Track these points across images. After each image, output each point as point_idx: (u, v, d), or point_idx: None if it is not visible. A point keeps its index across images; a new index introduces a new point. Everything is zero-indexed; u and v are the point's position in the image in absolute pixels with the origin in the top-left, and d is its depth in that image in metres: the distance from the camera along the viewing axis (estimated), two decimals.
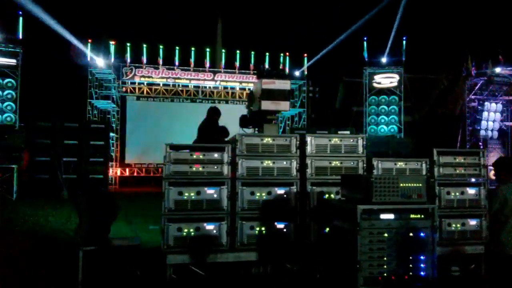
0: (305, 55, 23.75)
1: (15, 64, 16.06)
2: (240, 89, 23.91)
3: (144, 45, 22.35)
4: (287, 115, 24.02)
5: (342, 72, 25.71)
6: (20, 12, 16.39)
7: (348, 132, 16.84)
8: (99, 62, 20.82)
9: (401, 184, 3.93)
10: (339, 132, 15.11)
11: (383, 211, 3.86)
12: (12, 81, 16.01)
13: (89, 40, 20.66)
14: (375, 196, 3.86)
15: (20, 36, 16.44)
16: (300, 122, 24.06)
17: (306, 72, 23.95)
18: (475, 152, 5.90)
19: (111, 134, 20.35)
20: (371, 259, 3.78)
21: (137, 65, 22.46)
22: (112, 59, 21.61)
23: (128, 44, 22.16)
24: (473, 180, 5.61)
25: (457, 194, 5.57)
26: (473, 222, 5.57)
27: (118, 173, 21.91)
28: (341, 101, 26.06)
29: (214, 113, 7.47)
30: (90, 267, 5.07)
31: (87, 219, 5.65)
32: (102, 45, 21.11)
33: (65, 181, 15.74)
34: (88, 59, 20.66)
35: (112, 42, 21.68)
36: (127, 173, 22.26)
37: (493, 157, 21.68)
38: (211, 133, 7.05)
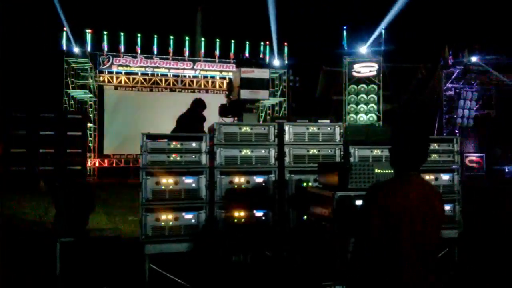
0: (286, 44, 23.70)
1: None
2: (220, 78, 23.72)
3: (122, 34, 21.91)
4: (267, 104, 24.03)
5: (322, 61, 25.77)
6: None
7: (328, 121, 16.94)
8: (75, 51, 20.35)
9: (376, 171, 4.00)
10: (319, 121, 15.18)
11: (359, 197, 3.92)
12: None
13: (64, 29, 20.15)
14: (351, 182, 3.92)
15: None
16: (280, 112, 24.10)
17: (286, 61, 23.91)
18: (449, 139, 6.04)
19: (89, 125, 20.00)
20: (348, 244, 3.85)
21: (114, 54, 22.01)
22: (89, 48, 21.15)
23: (105, 33, 21.68)
24: None
25: (432, 180, 5.69)
26: (446, 208, 5.71)
27: (97, 164, 21.60)
28: (321, 90, 26.17)
29: (198, 106, 7.23)
30: (68, 260, 5.01)
31: (65, 210, 5.59)
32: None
33: (42, 173, 15.45)
34: (64, 47, 20.17)
35: (88, 31, 21.17)
36: (105, 164, 21.96)
37: (468, 144, 22.24)
38: (193, 124, 6.87)
